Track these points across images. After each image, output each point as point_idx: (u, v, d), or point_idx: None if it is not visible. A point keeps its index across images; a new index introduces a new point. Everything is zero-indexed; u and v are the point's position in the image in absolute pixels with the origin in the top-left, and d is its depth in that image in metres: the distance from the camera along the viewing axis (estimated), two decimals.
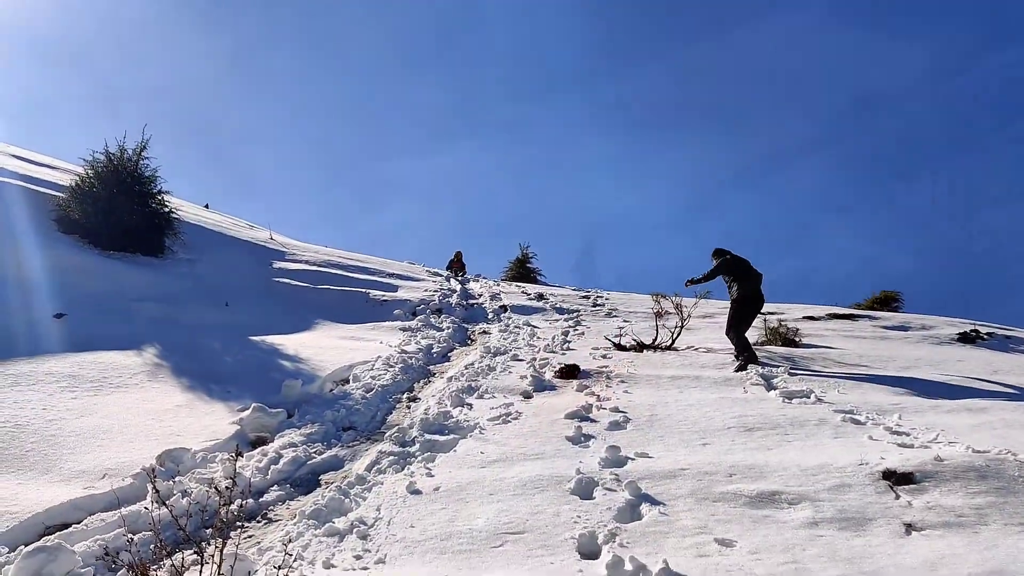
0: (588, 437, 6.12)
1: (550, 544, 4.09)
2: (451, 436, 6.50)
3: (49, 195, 14.68)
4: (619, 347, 10.34)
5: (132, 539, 4.61)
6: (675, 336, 10.48)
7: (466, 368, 9.56)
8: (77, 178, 14.66)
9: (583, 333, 12.16)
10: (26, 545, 4.50)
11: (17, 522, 4.95)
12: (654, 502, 4.62)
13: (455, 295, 15.96)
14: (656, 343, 10.33)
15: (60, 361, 8.48)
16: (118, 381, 8.18)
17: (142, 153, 14.89)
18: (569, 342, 11.09)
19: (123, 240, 13.85)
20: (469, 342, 12.36)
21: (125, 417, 7.16)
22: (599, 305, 15.71)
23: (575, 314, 14.43)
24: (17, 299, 10.62)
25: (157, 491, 3.98)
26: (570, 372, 8.59)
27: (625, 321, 13.25)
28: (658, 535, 4.17)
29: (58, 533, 4.86)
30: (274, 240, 18.95)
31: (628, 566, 3.67)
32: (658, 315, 11.23)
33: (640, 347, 10.23)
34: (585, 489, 4.90)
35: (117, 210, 13.87)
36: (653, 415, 6.67)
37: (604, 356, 9.74)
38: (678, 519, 4.36)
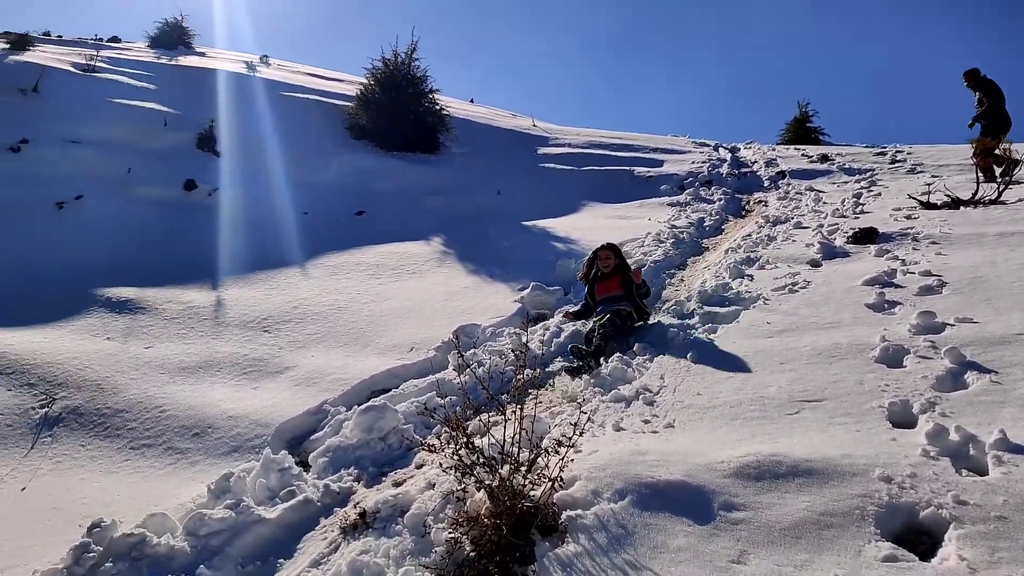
0: (893, 304, 5.45)
1: (854, 412, 3.73)
2: (732, 308, 6.21)
3: (341, 106, 16.36)
4: (927, 205, 8.97)
5: (442, 401, 5.16)
6: (1002, 188, 8.80)
7: (743, 239, 9.04)
8: (361, 87, 16.11)
9: (879, 194, 10.77)
10: (359, 405, 5.26)
11: (350, 387, 5.81)
12: (983, 370, 3.98)
13: (725, 165, 15.04)
14: (977, 197, 8.77)
15: (365, 253, 9.64)
16: (413, 268, 9.08)
17: (412, 55, 15.85)
18: (862, 205, 9.90)
19: (404, 141, 15.09)
20: (744, 213, 11.65)
21: (422, 299, 7.95)
22: (898, 161, 13.75)
23: (868, 173, 12.81)
24: (327, 201, 12.19)
25: (462, 355, 4.35)
26: (866, 236, 7.67)
27: (934, 176, 11.45)
28: (990, 405, 3.59)
29: (382, 396, 5.61)
30: (536, 127, 19.30)
31: (953, 435, 3.22)
32: (979, 165, 9.49)
33: (955, 203, 8.76)
34: (893, 357, 4.38)
35: (396, 113, 15.08)
36: (976, 277, 5.70)
37: (908, 217, 8.52)
38: (1015, 388, 3.72)
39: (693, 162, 15.35)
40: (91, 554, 3.62)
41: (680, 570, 2.59)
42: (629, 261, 8.76)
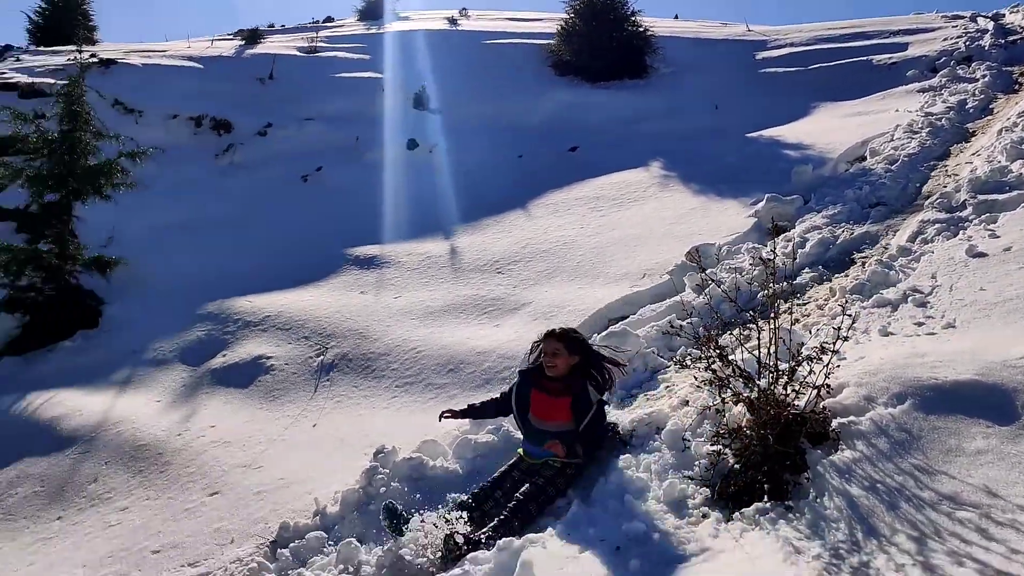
0: None
1: None
2: (1014, 193, 5.39)
3: (543, 44, 16.36)
4: None
5: (683, 323, 5.01)
6: None
7: (1019, 116, 7.67)
8: (561, 22, 15.95)
9: None
10: (598, 334, 5.30)
11: (587, 316, 5.89)
12: None
13: (987, 36, 12.81)
14: None
15: (584, 187, 9.61)
16: (634, 196, 8.90)
17: None
18: None
19: (609, 69, 14.72)
20: (1017, 87, 9.90)
21: (647, 225, 7.79)
22: None
23: None
24: (539, 140, 12.33)
25: (703, 270, 4.13)
26: None
27: None
28: None
29: (620, 323, 5.61)
30: (751, 31, 17.82)
31: None
32: None
33: None
34: None
35: (598, 42, 14.73)
36: None
37: None
38: None
39: (946, 39, 13.26)
40: (380, 476, 4.05)
41: (983, 472, 2.28)
42: (875, 161, 7.87)
